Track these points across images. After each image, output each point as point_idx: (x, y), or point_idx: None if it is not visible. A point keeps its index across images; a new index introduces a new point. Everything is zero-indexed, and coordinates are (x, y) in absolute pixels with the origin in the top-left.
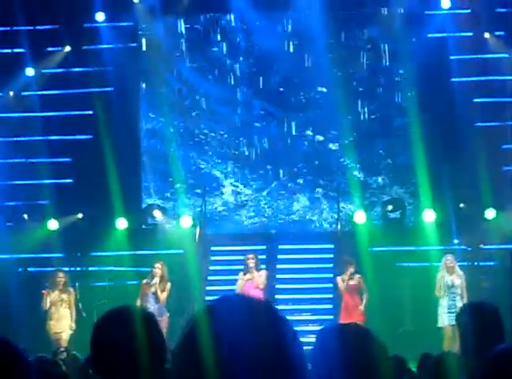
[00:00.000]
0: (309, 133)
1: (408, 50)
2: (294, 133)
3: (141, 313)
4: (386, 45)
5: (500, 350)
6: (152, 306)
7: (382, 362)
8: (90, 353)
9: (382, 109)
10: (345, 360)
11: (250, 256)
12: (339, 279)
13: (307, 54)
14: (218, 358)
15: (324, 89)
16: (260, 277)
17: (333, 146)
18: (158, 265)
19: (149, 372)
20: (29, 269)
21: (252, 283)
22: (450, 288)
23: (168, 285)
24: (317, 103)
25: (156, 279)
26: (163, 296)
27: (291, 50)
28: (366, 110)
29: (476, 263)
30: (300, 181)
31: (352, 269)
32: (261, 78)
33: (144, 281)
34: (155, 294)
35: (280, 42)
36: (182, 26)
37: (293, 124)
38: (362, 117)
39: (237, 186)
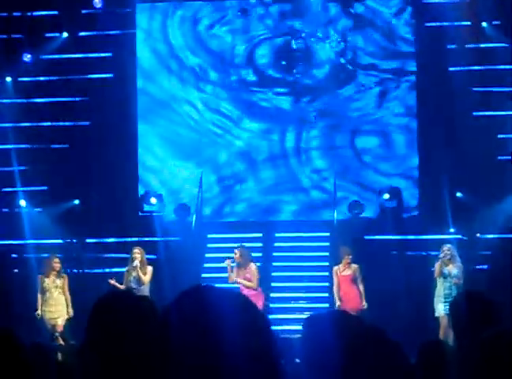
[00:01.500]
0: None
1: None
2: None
3: (138, 296)
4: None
5: (488, 335)
6: (135, 288)
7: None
8: (86, 334)
9: None
10: (337, 346)
11: (235, 250)
12: (335, 268)
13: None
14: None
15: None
16: (248, 274)
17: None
18: (137, 250)
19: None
20: (24, 255)
21: (242, 276)
22: (447, 278)
23: (149, 268)
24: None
25: (137, 262)
26: (146, 278)
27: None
28: None
29: (472, 252)
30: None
31: (348, 259)
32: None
33: (126, 268)
34: (137, 277)
35: None
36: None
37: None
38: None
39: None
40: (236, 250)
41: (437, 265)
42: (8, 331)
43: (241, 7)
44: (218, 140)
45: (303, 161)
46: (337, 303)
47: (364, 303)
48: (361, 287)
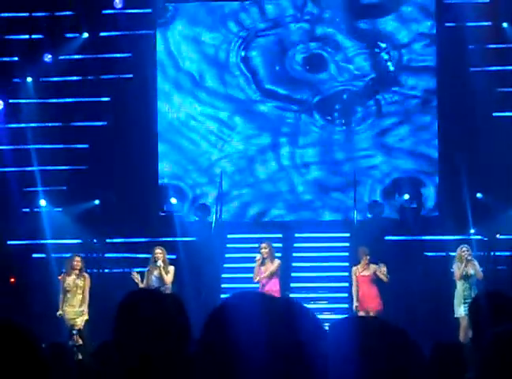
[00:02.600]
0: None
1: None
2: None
3: (167, 294)
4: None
5: (498, 333)
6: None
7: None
8: (114, 330)
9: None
10: (359, 352)
11: (263, 245)
12: (354, 269)
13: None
14: (236, 355)
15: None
16: (272, 266)
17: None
18: (159, 250)
19: (173, 351)
20: (45, 255)
21: (266, 272)
22: (466, 279)
23: (171, 268)
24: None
25: (160, 262)
26: (168, 278)
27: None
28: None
29: (492, 253)
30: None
31: (366, 260)
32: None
33: (148, 268)
34: (159, 276)
35: None
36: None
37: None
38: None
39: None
40: (265, 244)
41: (456, 268)
42: (22, 326)
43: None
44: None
45: (326, 164)
46: (355, 304)
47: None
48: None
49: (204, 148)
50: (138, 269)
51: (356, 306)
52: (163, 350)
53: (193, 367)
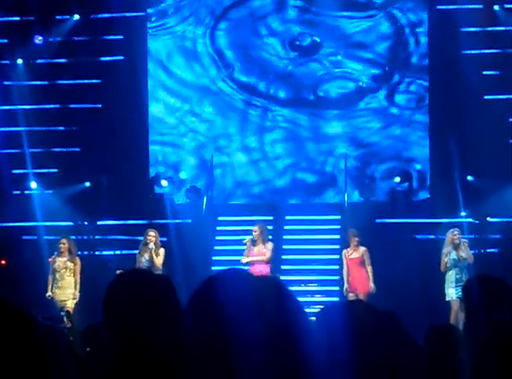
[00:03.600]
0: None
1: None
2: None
3: (157, 275)
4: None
5: (496, 320)
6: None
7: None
8: (102, 314)
9: None
10: (350, 337)
11: (255, 228)
12: (344, 252)
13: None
14: (223, 328)
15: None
16: (266, 249)
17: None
18: (152, 233)
19: (163, 332)
20: (36, 237)
21: (258, 254)
22: (457, 263)
23: (162, 250)
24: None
25: (152, 245)
26: (158, 260)
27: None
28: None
29: (483, 236)
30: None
31: (355, 242)
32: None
33: (139, 250)
34: (149, 259)
35: None
36: None
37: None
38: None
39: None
40: (257, 227)
41: (444, 253)
42: (21, 307)
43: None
44: (233, 121)
45: (318, 143)
46: (345, 286)
47: (372, 286)
48: (369, 270)
49: (195, 131)
50: (129, 251)
51: (346, 289)
52: (152, 331)
53: (183, 348)
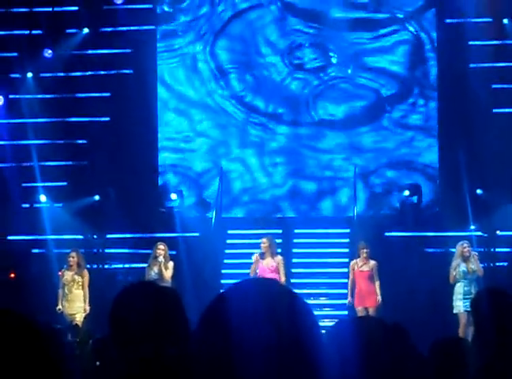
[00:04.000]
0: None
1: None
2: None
3: (164, 289)
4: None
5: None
6: None
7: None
8: (109, 327)
9: None
10: (359, 352)
11: (263, 240)
12: (352, 263)
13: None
14: (234, 345)
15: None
16: (275, 263)
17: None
18: (161, 246)
19: (170, 346)
20: (45, 251)
21: (267, 267)
22: (466, 275)
23: (171, 264)
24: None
25: (162, 258)
26: (167, 274)
27: None
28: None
29: (492, 249)
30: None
31: (365, 254)
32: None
33: (148, 263)
34: (158, 272)
35: None
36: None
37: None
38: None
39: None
40: (265, 239)
41: (452, 266)
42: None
43: None
44: (241, 136)
45: (321, 157)
46: (349, 299)
47: (380, 299)
48: (377, 284)
49: (206, 144)
50: (138, 265)
51: (350, 301)
52: (159, 344)
53: (190, 362)
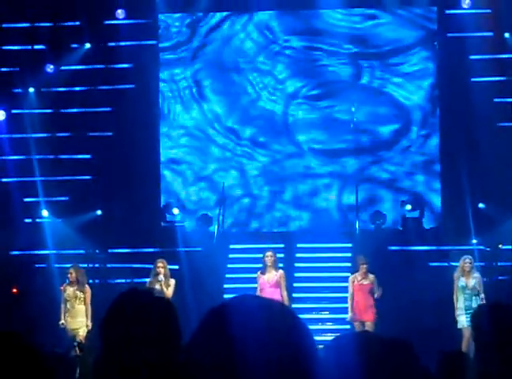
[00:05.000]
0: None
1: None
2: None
3: (158, 298)
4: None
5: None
6: None
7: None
8: (100, 334)
9: None
10: (360, 368)
11: (268, 253)
12: (351, 277)
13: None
14: (232, 358)
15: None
16: (277, 276)
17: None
18: (160, 264)
19: (161, 358)
20: (47, 265)
21: (267, 281)
22: (465, 289)
23: (172, 281)
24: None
25: (162, 276)
26: (169, 292)
27: None
28: None
29: (494, 263)
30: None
31: (364, 268)
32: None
33: (149, 279)
34: (159, 290)
35: None
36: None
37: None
38: None
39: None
40: (270, 253)
41: (455, 277)
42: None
43: None
44: (240, 153)
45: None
46: (349, 314)
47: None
48: (377, 294)
49: (207, 158)
50: (140, 280)
51: (351, 317)
52: (151, 355)
53: (182, 374)
